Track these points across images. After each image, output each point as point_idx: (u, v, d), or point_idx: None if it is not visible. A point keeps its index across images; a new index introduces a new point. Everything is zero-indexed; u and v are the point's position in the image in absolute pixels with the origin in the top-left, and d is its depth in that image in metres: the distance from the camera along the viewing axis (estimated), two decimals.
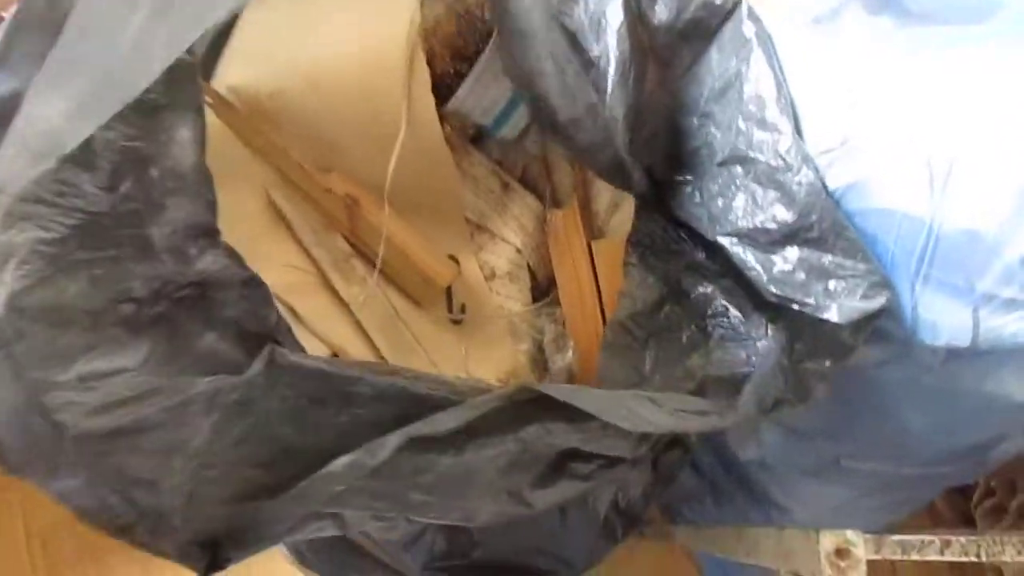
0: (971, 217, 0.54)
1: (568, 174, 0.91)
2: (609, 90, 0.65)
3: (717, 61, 0.65)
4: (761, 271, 0.63)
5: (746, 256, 0.65)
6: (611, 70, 0.65)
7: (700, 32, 0.66)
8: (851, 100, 0.60)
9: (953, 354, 0.59)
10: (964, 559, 0.69)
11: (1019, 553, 0.69)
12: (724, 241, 0.67)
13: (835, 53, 0.63)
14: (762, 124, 0.61)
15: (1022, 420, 0.68)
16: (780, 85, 0.61)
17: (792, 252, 0.61)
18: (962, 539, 0.69)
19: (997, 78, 0.55)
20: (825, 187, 0.60)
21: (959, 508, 1.20)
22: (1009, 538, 0.70)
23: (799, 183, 0.60)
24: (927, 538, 0.70)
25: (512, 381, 0.88)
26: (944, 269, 0.56)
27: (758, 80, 0.62)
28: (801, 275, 0.61)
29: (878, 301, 0.57)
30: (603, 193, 0.90)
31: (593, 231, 0.92)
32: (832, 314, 0.59)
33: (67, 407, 0.47)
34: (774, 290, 0.62)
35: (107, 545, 1.33)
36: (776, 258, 0.62)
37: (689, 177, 0.71)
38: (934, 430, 0.68)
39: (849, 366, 0.64)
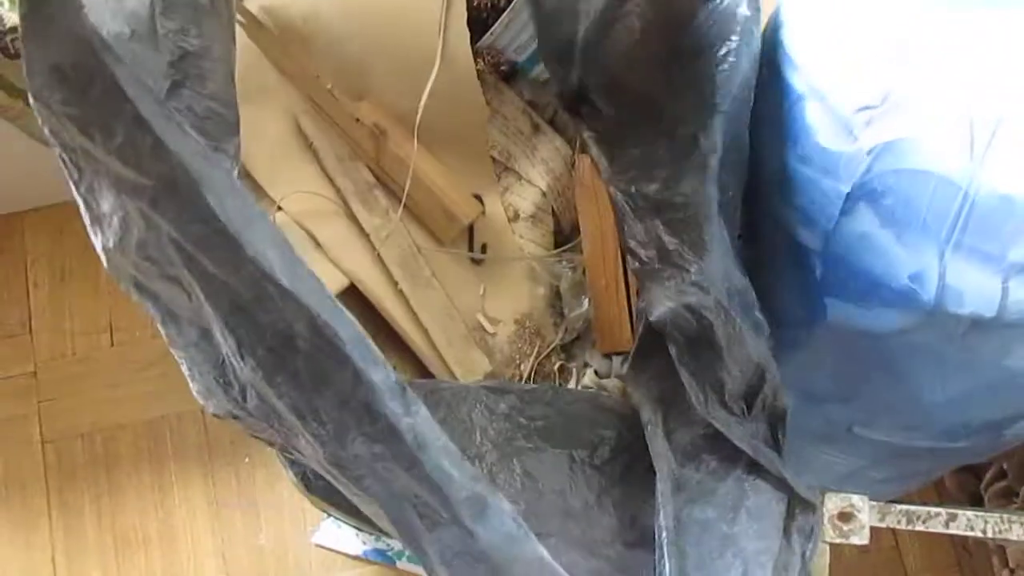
0: (1009, 183, 0.52)
1: None
2: None
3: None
4: None
5: None
6: None
7: None
8: (896, 56, 0.58)
9: (977, 325, 0.57)
10: (970, 534, 0.69)
11: None
12: None
13: (883, 7, 0.61)
14: None
15: None
16: None
17: None
18: (969, 514, 0.69)
19: None
20: None
21: (968, 489, 1.19)
22: (1018, 517, 0.69)
23: None
24: (933, 510, 0.69)
25: (528, 323, 0.88)
26: (976, 236, 0.55)
27: None
28: None
29: None
30: None
31: None
32: None
33: None
34: None
35: (117, 454, 1.37)
36: None
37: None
38: (950, 403, 0.67)
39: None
